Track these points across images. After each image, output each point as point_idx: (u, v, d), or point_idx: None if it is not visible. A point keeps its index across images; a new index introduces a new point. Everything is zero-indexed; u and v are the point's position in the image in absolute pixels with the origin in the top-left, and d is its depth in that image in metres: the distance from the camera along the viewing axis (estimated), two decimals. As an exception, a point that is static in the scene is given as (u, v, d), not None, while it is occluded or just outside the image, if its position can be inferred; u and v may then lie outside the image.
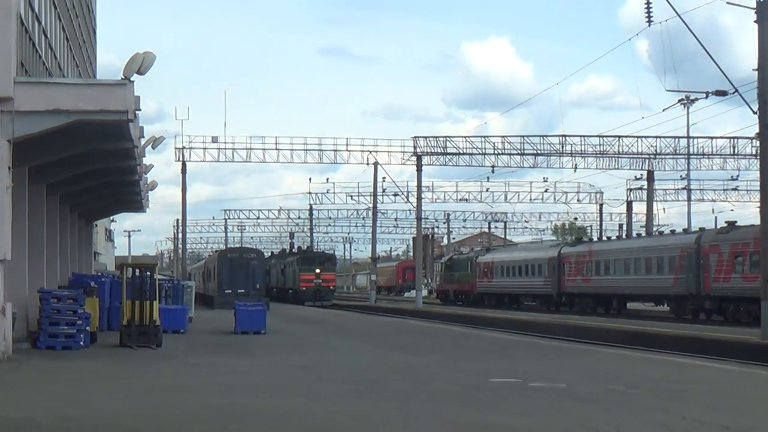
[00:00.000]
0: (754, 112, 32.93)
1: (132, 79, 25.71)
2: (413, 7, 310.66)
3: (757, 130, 33.25)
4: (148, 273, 31.62)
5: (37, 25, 31.02)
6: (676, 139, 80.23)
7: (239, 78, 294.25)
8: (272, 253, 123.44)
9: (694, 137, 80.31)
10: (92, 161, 33.47)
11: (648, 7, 33.54)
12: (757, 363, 28.14)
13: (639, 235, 79.19)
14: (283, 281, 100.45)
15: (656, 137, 78.89)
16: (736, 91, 34.00)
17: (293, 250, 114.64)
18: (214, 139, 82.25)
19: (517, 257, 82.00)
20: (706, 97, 35.40)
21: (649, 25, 34.05)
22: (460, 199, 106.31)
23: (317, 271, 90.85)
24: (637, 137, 78.60)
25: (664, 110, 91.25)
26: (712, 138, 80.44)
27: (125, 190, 46.28)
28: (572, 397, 18.01)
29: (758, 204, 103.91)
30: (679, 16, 33.04)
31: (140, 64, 25.77)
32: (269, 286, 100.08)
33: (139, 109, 26.09)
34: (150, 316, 30.72)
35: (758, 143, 35.95)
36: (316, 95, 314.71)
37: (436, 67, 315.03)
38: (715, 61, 32.88)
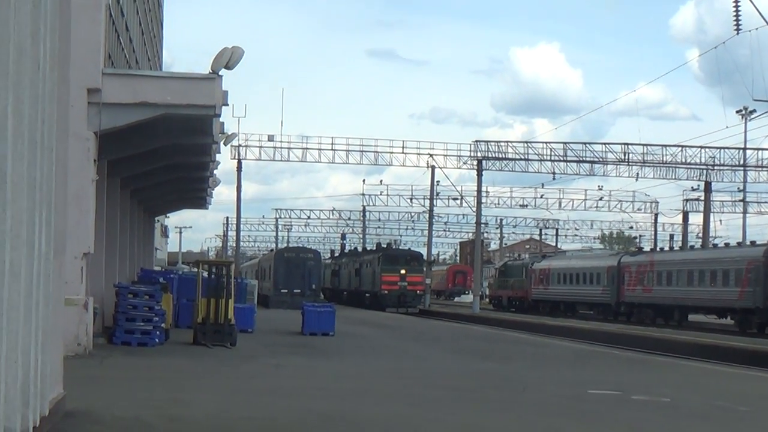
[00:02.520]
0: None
1: (220, 73, 25.34)
2: (463, 11, 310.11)
3: None
4: (224, 271, 31.26)
5: (121, 18, 30.76)
6: (739, 151, 79.35)
7: (292, 78, 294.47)
8: (335, 251, 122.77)
9: (752, 148, 79.45)
10: (168, 156, 33.13)
11: (737, 16, 32.80)
12: None
13: (702, 246, 78.19)
14: (357, 283, 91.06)
15: (718, 148, 78.11)
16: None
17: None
18: (271, 138, 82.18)
19: (574, 265, 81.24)
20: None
21: (738, 33, 33.30)
22: (517, 205, 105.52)
23: (402, 271, 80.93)
24: (700, 147, 77.83)
25: (752, 120, 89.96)
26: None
27: (193, 186, 45.94)
28: (682, 412, 17.41)
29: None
30: (769, 23, 32.31)
31: (228, 59, 25.39)
32: (338, 289, 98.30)
33: (227, 104, 25.73)
34: (225, 315, 30.37)
35: None
36: (363, 97, 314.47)
37: (484, 72, 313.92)
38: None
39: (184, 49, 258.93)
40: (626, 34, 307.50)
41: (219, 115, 25.97)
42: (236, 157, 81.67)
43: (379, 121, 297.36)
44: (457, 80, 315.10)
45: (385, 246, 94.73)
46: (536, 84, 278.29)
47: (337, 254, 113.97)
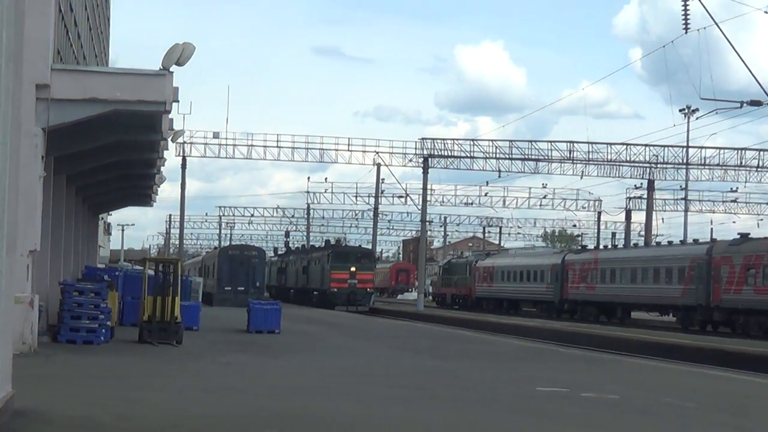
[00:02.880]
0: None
1: (171, 69, 25.18)
2: (408, 9, 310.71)
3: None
4: (171, 269, 31.08)
5: (70, 14, 30.49)
6: (682, 149, 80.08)
7: (237, 75, 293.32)
8: (279, 249, 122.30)
9: (694, 147, 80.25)
10: (116, 153, 32.89)
11: (686, 15, 33.08)
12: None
13: (645, 244, 78.84)
14: (305, 281, 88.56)
15: (662, 146, 78.90)
16: (771, 101, 33.63)
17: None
18: (216, 135, 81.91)
19: (518, 263, 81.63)
20: (741, 106, 34.92)
21: (686, 32, 33.58)
22: (461, 203, 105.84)
23: (352, 269, 78.98)
24: (644, 146, 78.51)
25: (698, 118, 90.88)
26: (719, 149, 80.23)
27: (139, 183, 45.66)
28: (632, 409, 17.51)
29: (757, 216, 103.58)
30: (717, 24, 32.65)
31: (179, 55, 25.22)
32: (285, 287, 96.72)
33: (177, 101, 25.55)
34: (171, 313, 30.21)
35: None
36: (309, 94, 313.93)
37: (429, 70, 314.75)
38: (750, 71, 32.52)
39: (128, 45, 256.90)
40: (570, 33, 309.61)
41: (169, 112, 25.81)
42: (181, 154, 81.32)
43: (324, 119, 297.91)
44: (401, 78, 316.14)
45: (334, 243, 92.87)
46: (480, 82, 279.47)
47: (282, 252, 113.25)
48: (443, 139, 79.60)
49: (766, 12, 32.01)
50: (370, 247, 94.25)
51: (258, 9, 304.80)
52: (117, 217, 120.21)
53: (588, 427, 15.26)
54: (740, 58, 32.51)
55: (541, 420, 15.88)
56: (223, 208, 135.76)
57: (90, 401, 16.25)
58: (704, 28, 35.19)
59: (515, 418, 15.95)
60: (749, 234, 57.01)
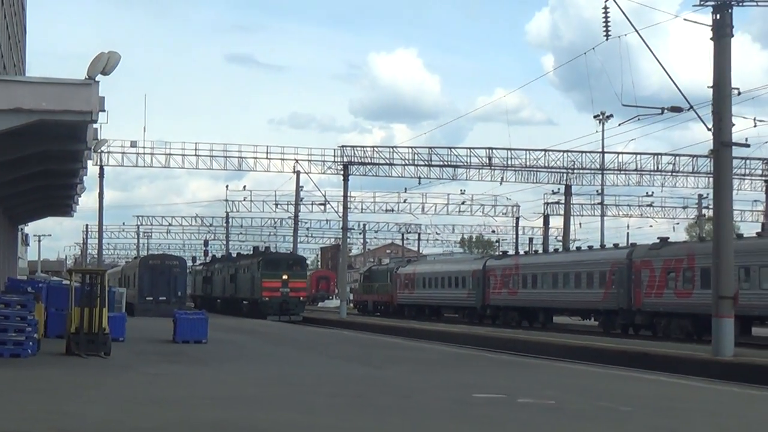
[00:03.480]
0: (709, 129, 32.98)
1: (97, 79, 24.89)
2: (321, 17, 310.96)
3: (711, 147, 33.29)
4: (98, 279, 30.72)
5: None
6: (599, 155, 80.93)
7: (151, 84, 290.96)
8: (197, 258, 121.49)
9: (610, 152, 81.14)
10: (39, 163, 32.46)
11: (606, 22, 33.40)
12: (715, 379, 28.12)
13: (564, 249, 79.46)
14: (233, 290, 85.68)
15: (580, 152, 79.64)
16: (691, 107, 33.99)
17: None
18: (133, 144, 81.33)
19: (439, 269, 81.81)
20: (662, 113, 35.26)
21: (607, 39, 33.90)
22: (380, 210, 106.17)
23: (284, 277, 75.98)
24: (562, 152, 79.22)
25: (620, 125, 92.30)
26: (636, 154, 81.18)
27: (61, 194, 45.05)
28: (569, 414, 17.62)
29: (672, 220, 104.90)
30: (637, 32, 32.97)
31: (105, 64, 24.95)
32: (211, 296, 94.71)
33: (103, 110, 25.22)
34: (99, 324, 29.89)
35: (711, 160, 36.01)
36: (223, 102, 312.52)
37: (343, 77, 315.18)
38: (670, 77, 32.87)
39: (41, 54, 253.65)
40: (483, 40, 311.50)
41: (96, 121, 25.50)
42: (98, 163, 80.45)
43: (239, 127, 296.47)
44: (316, 85, 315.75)
45: (263, 250, 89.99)
46: (395, 89, 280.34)
47: (206, 260, 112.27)
48: (363, 147, 79.76)
49: (685, 20, 32.27)
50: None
51: (170, 16, 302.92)
52: (33, 227, 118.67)
53: (530, 433, 15.31)
54: (660, 64, 32.77)
55: (485, 427, 15.90)
56: (140, 218, 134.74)
57: (24, 415, 16.00)
58: (626, 34, 35.56)
59: (459, 426, 15.92)
60: (668, 238, 57.72)
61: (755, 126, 52.59)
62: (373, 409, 17.89)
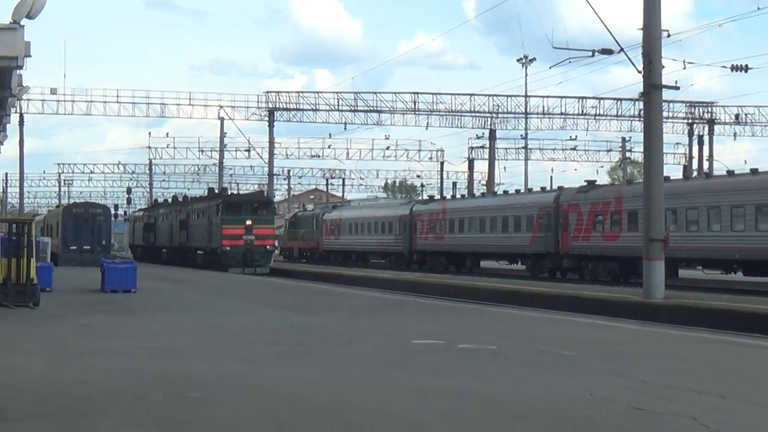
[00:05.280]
0: (639, 72, 33.02)
1: (22, 23, 24.19)
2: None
3: (642, 90, 33.33)
4: (25, 229, 30.15)
5: None
6: (524, 99, 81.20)
7: (70, 29, 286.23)
8: (119, 206, 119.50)
9: (535, 96, 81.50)
10: (-39, 110, 31.67)
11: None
12: (648, 322, 28.27)
13: (489, 192, 79.72)
14: (184, 238, 75.46)
15: (505, 96, 79.89)
16: (622, 50, 34.01)
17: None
18: (54, 91, 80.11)
19: (366, 215, 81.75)
20: (592, 55, 35.24)
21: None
22: (305, 156, 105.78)
23: (248, 222, 65.34)
24: (488, 96, 79.30)
25: (550, 68, 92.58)
26: (560, 98, 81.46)
27: (-17, 142, 44.25)
28: (512, 360, 17.55)
29: (596, 163, 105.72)
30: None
31: (30, 8, 24.23)
32: (155, 246, 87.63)
33: (29, 56, 24.53)
34: (27, 275, 29.38)
35: (641, 103, 36.12)
36: (143, 49, 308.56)
37: (264, 23, 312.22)
38: (601, 20, 32.85)
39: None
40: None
41: (21, 67, 24.83)
42: (18, 110, 79.05)
43: (159, 73, 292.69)
44: (237, 31, 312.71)
45: (218, 191, 79.53)
46: (316, 34, 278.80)
47: (131, 208, 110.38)
48: (288, 92, 79.23)
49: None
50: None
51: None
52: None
53: (478, 380, 15.13)
54: (590, 6, 32.77)
55: (429, 373, 15.75)
56: (61, 165, 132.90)
57: (-39, 370, 15.63)
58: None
59: (402, 373, 15.77)
60: (595, 181, 58.09)
61: (684, 68, 52.90)
62: (316, 358, 17.70)
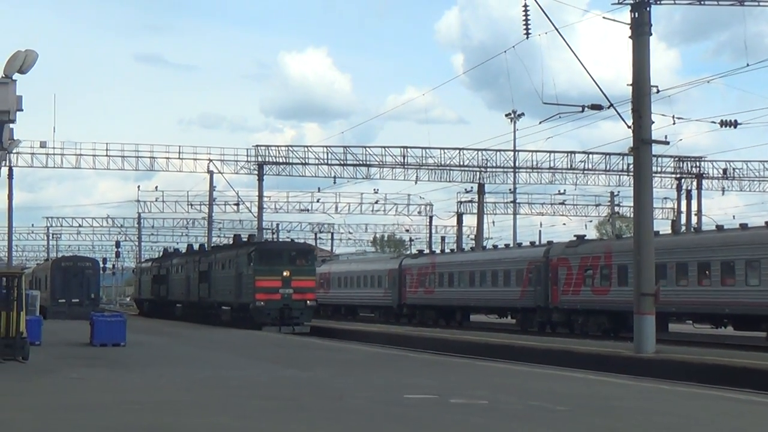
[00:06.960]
0: (629, 126, 33.22)
1: (14, 77, 24.31)
2: (230, 16, 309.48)
3: (631, 145, 33.52)
4: (15, 282, 30.04)
5: None
6: (513, 153, 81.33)
7: (61, 83, 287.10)
8: (108, 259, 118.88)
9: (523, 150, 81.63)
10: (-48, 164, 31.68)
11: (527, 21, 33.47)
12: (640, 376, 28.24)
13: (478, 247, 79.74)
14: (206, 292, 66.04)
15: (494, 151, 79.98)
16: (612, 105, 34.20)
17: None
18: (43, 144, 79.97)
19: (355, 268, 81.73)
20: (582, 110, 35.42)
21: (527, 38, 33.98)
22: (294, 210, 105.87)
23: (285, 273, 56.48)
24: (476, 150, 79.46)
25: (540, 122, 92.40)
26: (549, 152, 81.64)
27: (-28, 195, 44.24)
28: (505, 414, 17.49)
29: (585, 217, 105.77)
30: (557, 30, 33.07)
31: (22, 62, 24.38)
32: (167, 300, 79.43)
33: (21, 109, 24.65)
34: (16, 328, 29.25)
35: (630, 158, 36.30)
36: (133, 102, 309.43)
37: (253, 77, 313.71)
38: (591, 76, 33.06)
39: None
40: (393, 39, 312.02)
41: (14, 121, 24.92)
42: (8, 164, 79.02)
43: (149, 127, 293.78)
44: (226, 85, 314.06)
45: (245, 239, 67.60)
46: (305, 88, 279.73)
47: (119, 261, 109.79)
48: (277, 146, 79.35)
49: (604, 18, 32.45)
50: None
51: (78, 15, 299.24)
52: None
53: (471, 434, 15.13)
54: (580, 62, 32.98)
55: (422, 428, 15.72)
56: (50, 219, 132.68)
57: (-48, 425, 15.53)
58: (546, 32, 35.64)
59: (395, 428, 15.75)
60: (585, 236, 58.20)
61: (674, 123, 53.17)
62: (307, 413, 17.62)
